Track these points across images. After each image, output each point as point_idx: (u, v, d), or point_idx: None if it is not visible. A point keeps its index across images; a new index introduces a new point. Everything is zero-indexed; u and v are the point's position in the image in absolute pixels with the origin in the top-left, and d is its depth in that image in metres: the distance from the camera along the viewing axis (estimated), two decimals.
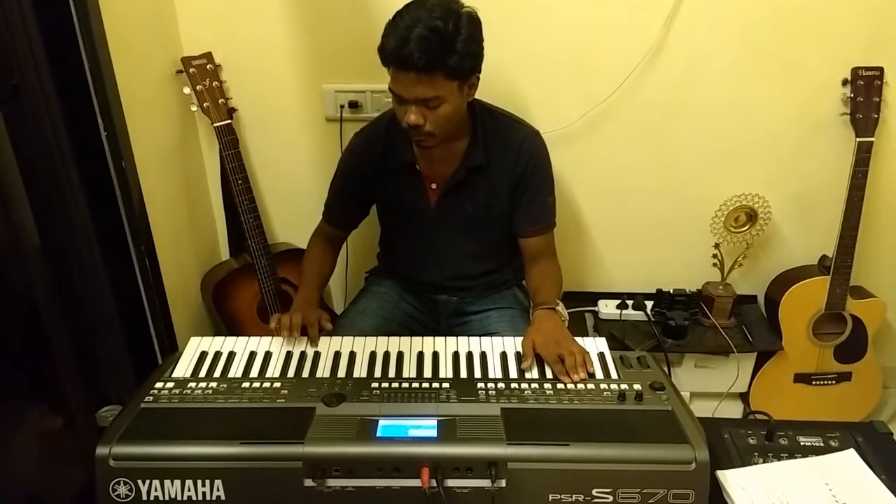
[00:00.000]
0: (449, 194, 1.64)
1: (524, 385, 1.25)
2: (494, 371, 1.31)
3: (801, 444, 1.24)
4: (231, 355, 1.35)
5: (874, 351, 2.09)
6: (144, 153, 1.64)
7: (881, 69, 1.85)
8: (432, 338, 1.41)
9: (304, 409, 1.16)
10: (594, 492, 1.07)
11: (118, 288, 1.58)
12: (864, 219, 1.91)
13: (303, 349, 1.37)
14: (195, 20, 1.90)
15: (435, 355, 1.35)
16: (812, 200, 2.06)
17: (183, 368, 1.31)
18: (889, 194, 2.03)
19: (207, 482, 1.07)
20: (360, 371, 1.30)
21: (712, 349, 2.04)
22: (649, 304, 2.08)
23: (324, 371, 1.31)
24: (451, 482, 1.07)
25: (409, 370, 1.31)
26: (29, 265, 1.41)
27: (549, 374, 1.30)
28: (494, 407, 1.18)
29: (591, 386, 1.25)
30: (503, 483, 1.07)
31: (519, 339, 1.40)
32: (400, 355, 1.35)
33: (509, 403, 1.19)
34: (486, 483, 1.06)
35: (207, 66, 1.84)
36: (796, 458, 1.21)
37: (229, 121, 1.86)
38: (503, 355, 1.36)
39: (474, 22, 1.41)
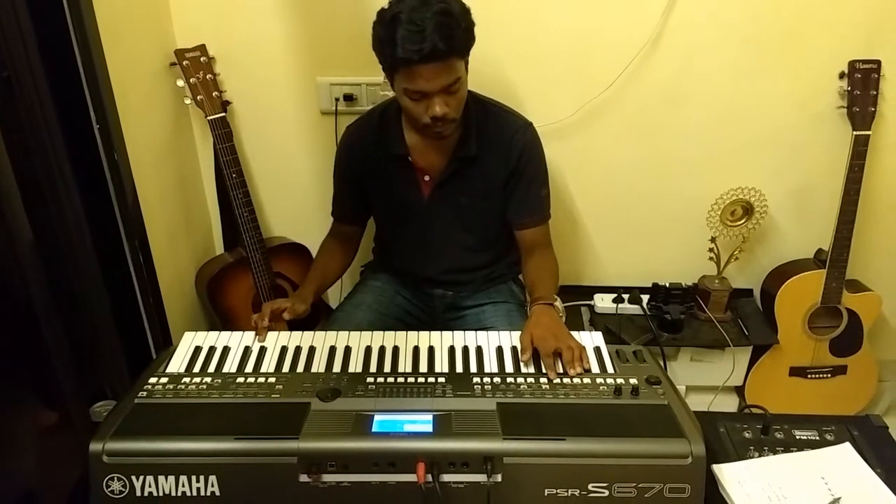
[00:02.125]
0: (442, 186, 1.64)
1: (520, 380, 1.24)
2: (490, 366, 1.30)
3: (797, 437, 1.24)
4: (225, 350, 1.34)
5: (869, 344, 2.10)
6: (138, 146, 1.63)
7: (878, 62, 1.85)
8: (428, 332, 1.40)
9: (299, 405, 1.15)
10: (590, 486, 1.06)
11: (112, 282, 1.57)
12: (861, 213, 1.91)
13: (298, 343, 1.37)
14: (189, 12, 1.89)
15: (430, 350, 1.35)
16: (808, 194, 2.07)
17: (177, 363, 1.30)
18: (885, 188, 2.03)
19: (202, 478, 1.06)
20: (355, 366, 1.30)
21: (708, 343, 2.04)
22: (645, 297, 2.08)
23: (319, 366, 1.30)
24: (446, 477, 1.06)
25: (405, 365, 1.30)
26: (22, 260, 1.40)
27: (544, 369, 1.29)
28: (490, 402, 1.17)
29: (587, 380, 1.25)
30: (499, 478, 1.06)
31: (515, 334, 1.39)
32: (395, 350, 1.35)
33: (505, 398, 1.18)
34: (482, 478, 1.06)
35: (201, 59, 1.82)
36: (792, 451, 1.21)
37: (223, 114, 1.84)
38: (499, 350, 1.35)
39: None
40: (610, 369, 1.29)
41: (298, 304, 1.53)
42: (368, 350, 1.34)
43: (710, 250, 2.04)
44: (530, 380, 1.25)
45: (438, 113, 1.42)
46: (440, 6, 1.34)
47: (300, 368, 1.29)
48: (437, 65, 1.36)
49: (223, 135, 1.83)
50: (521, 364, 1.31)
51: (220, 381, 1.23)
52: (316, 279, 1.67)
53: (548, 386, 1.23)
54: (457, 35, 1.36)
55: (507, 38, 1.88)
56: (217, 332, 1.40)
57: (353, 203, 1.76)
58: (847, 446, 1.21)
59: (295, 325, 1.47)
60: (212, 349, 1.34)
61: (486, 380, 1.24)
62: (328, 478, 1.07)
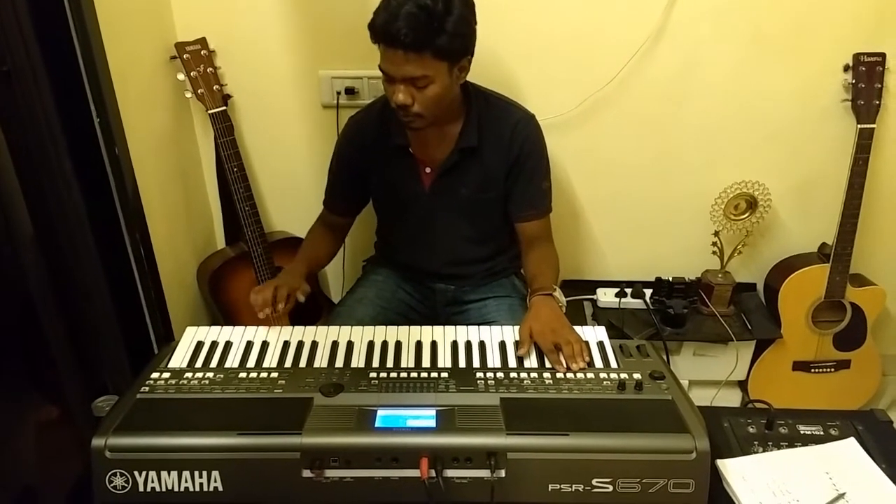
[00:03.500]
0: (443, 178, 1.63)
1: (523, 374, 1.24)
2: (493, 360, 1.30)
3: (801, 432, 1.24)
4: (228, 345, 1.34)
5: (873, 339, 2.09)
6: (138, 140, 1.63)
7: (883, 55, 1.84)
8: (430, 327, 1.39)
9: (302, 400, 1.15)
10: (594, 482, 1.06)
11: (113, 277, 1.57)
12: (865, 206, 1.91)
13: (300, 338, 1.36)
14: (189, 5, 1.88)
15: (433, 345, 1.34)
16: (812, 188, 2.06)
17: (179, 358, 1.29)
18: (890, 182, 2.02)
19: (205, 473, 1.06)
20: (357, 361, 1.29)
21: (711, 337, 2.04)
22: (648, 292, 2.08)
23: (321, 361, 1.29)
24: (450, 472, 1.06)
25: (408, 360, 1.30)
26: (23, 255, 1.39)
27: (548, 364, 1.29)
28: (493, 396, 1.17)
29: (590, 375, 1.24)
30: (503, 473, 1.06)
31: (518, 328, 1.39)
32: (398, 345, 1.34)
33: (508, 393, 1.18)
34: (485, 473, 1.05)
35: (202, 52, 1.81)
36: (796, 446, 1.20)
37: (224, 107, 1.83)
38: (502, 344, 1.35)
39: (467, 3, 1.41)
40: (613, 364, 1.29)
41: (304, 285, 1.51)
42: (371, 345, 1.34)
43: (714, 244, 2.04)
44: (533, 375, 1.24)
45: (399, 101, 1.42)
46: (424, 1, 1.33)
47: (303, 363, 1.29)
48: (402, 53, 1.36)
49: (224, 128, 1.82)
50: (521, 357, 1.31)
51: (222, 376, 1.23)
52: (305, 262, 1.64)
53: (551, 381, 1.23)
54: (431, 33, 1.34)
55: (510, 31, 1.86)
56: (219, 327, 1.39)
57: (347, 195, 1.75)
58: (851, 441, 1.21)
59: (297, 319, 1.47)
60: (214, 344, 1.34)
61: (490, 375, 1.23)
62: (331, 473, 1.06)
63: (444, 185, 1.64)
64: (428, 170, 1.64)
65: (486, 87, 1.65)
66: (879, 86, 1.84)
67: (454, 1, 1.37)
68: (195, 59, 1.80)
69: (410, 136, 1.59)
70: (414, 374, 1.24)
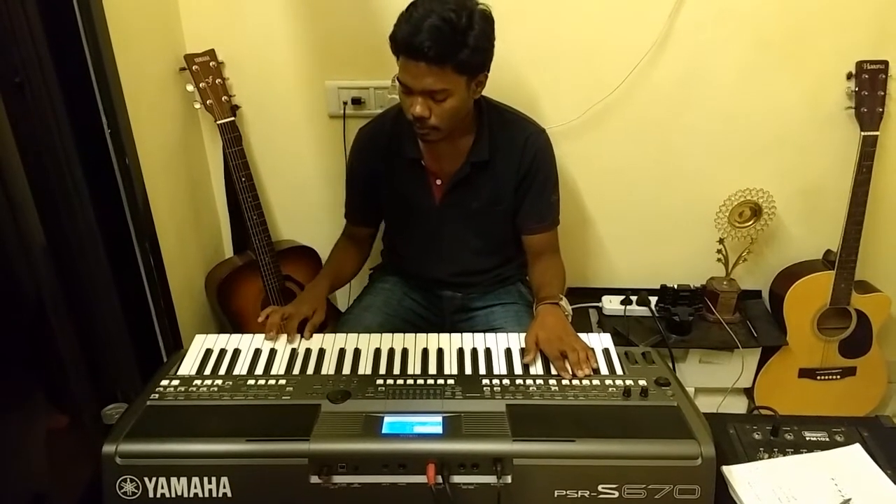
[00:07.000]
0: (454, 190, 1.64)
1: (529, 381, 1.25)
2: (499, 367, 1.31)
3: (807, 439, 1.24)
4: (236, 353, 1.35)
5: (879, 345, 2.09)
6: (148, 151, 1.65)
7: (886, 63, 1.85)
8: (437, 334, 1.40)
9: (310, 406, 1.16)
10: (600, 488, 1.07)
11: (123, 285, 1.58)
12: (869, 213, 1.91)
13: (308, 346, 1.37)
14: (198, 17, 1.90)
15: (440, 352, 1.35)
16: (816, 195, 2.06)
17: (188, 366, 1.31)
18: (894, 188, 2.03)
19: (214, 479, 1.07)
20: (364, 368, 1.30)
21: (716, 344, 2.04)
22: (653, 299, 2.08)
23: (329, 368, 1.31)
24: (456, 479, 1.07)
25: (414, 367, 1.31)
26: (34, 263, 1.41)
27: (553, 371, 1.30)
28: (500, 403, 1.17)
29: (596, 382, 1.25)
30: (509, 479, 1.07)
31: (524, 335, 1.39)
32: (405, 352, 1.35)
33: (514, 400, 1.19)
34: (491, 479, 1.06)
35: (210, 64, 1.83)
36: (802, 453, 1.21)
37: (232, 118, 1.85)
38: (508, 351, 1.36)
39: (487, 19, 1.41)
40: (619, 371, 1.30)
41: (318, 315, 1.51)
42: (378, 352, 1.35)
43: (719, 251, 2.04)
44: (539, 381, 1.25)
45: (417, 113, 1.43)
46: (448, 14, 1.33)
47: (310, 370, 1.30)
48: (423, 65, 1.36)
49: (232, 139, 1.84)
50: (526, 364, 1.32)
51: (230, 383, 1.24)
52: (328, 280, 1.67)
53: (557, 387, 1.23)
54: (454, 47, 1.35)
55: (517, 40, 1.87)
56: (227, 335, 1.41)
57: (365, 205, 1.77)
58: (857, 447, 1.21)
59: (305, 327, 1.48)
60: (222, 351, 1.35)
61: (496, 381, 1.24)
62: (338, 479, 1.07)
63: (455, 198, 1.65)
64: (439, 182, 1.65)
65: (498, 100, 1.66)
66: (882, 93, 1.85)
67: (476, 16, 1.38)
68: (204, 70, 1.82)
69: (423, 148, 1.61)
70: (420, 381, 1.24)
